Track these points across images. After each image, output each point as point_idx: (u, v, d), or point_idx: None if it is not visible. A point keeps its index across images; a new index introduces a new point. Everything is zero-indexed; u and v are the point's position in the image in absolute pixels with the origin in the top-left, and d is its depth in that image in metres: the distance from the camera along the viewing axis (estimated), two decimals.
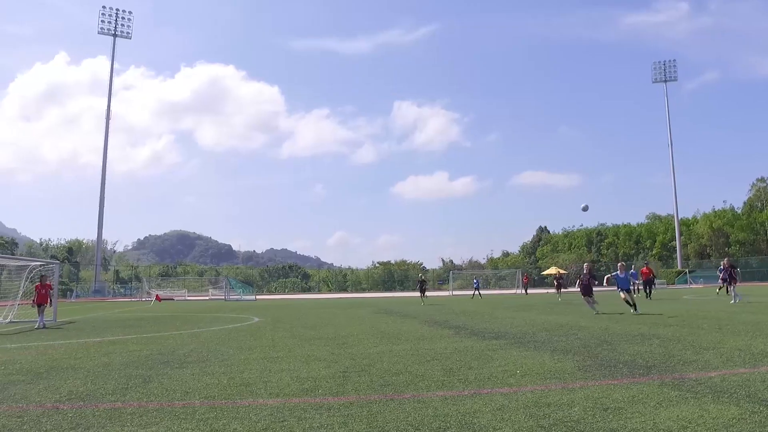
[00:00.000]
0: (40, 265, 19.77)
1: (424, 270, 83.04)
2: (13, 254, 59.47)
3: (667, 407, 4.40)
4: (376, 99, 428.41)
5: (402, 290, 70.23)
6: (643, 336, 9.44)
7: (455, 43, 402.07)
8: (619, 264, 16.05)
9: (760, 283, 50.41)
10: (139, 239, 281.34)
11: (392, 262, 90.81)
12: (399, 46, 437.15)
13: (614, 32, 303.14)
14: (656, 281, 35.71)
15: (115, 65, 77.96)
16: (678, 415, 4.13)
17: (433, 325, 13.22)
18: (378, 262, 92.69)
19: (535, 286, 63.72)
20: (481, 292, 40.53)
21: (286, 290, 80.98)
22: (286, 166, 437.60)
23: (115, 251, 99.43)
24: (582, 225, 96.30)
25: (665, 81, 76.39)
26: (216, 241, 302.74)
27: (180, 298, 49.95)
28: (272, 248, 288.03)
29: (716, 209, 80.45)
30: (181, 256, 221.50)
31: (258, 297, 50.55)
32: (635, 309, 14.51)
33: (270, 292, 75.27)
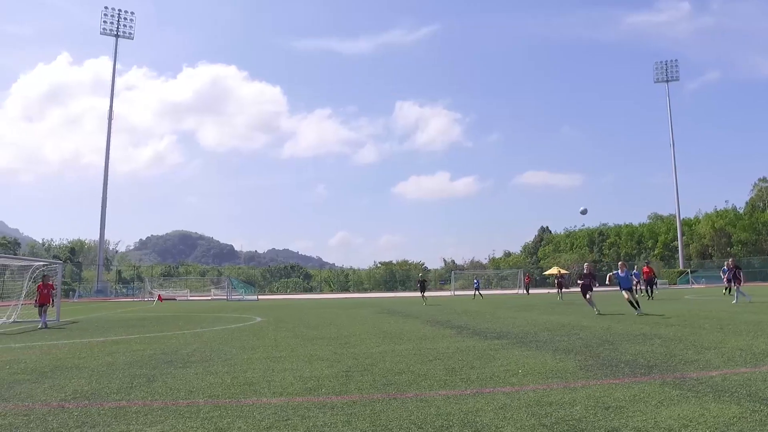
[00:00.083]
0: (44, 265, 19.84)
1: (426, 270, 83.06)
2: (15, 254, 59.63)
3: (669, 406, 4.42)
4: (378, 99, 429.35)
5: (404, 290, 70.26)
6: (645, 336, 9.46)
7: (457, 43, 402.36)
8: (619, 263, 16.04)
9: (763, 283, 50.32)
10: (141, 239, 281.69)
11: (394, 262, 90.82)
12: (400, 46, 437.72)
13: (616, 32, 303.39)
14: (658, 281, 35.74)
15: (118, 65, 78.24)
16: (679, 414, 4.15)
17: (435, 325, 13.25)
18: (380, 263, 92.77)
19: (537, 286, 63.71)
20: (482, 292, 40.54)
21: (288, 290, 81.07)
22: (288, 166, 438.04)
23: (117, 251, 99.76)
24: (584, 225, 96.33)
25: (667, 81, 76.40)
26: (218, 241, 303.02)
27: (182, 298, 50.04)
28: (274, 248, 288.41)
29: (718, 209, 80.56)
30: (183, 256, 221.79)
31: (260, 297, 50.64)
32: (638, 309, 14.44)
33: (272, 292, 75.37)
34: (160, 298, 41.29)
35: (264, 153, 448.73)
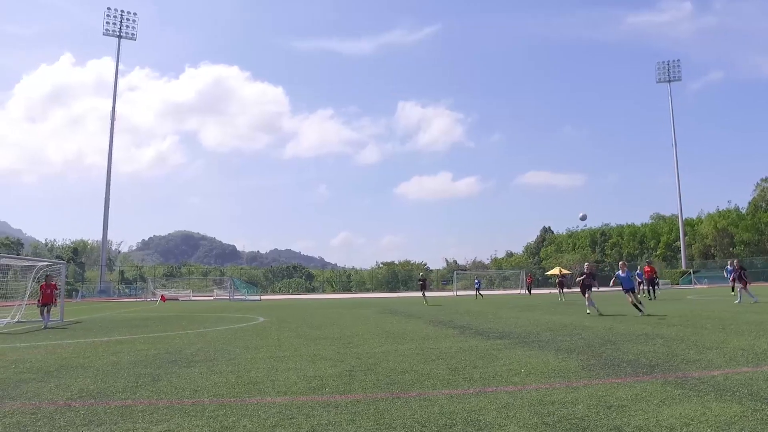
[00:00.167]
0: (47, 266, 19.93)
1: (428, 270, 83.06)
2: (18, 254, 59.77)
3: (670, 405, 4.45)
4: (380, 99, 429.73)
5: (406, 290, 70.27)
6: (647, 336, 9.48)
7: (458, 44, 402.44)
8: (620, 263, 16.01)
9: (765, 284, 50.20)
10: (143, 240, 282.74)
11: (396, 262, 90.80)
12: (402, 47, 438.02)
13: (618, 32, 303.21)
14: (660, 282, 35.67)
15: (120, 66, 78.24)
16: (681, 413, 4.18)
17: (438, 325, 13.28)
18: (382, 263, 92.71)
19: (539, 286, 63.68)
20: (482, 292, 40.55)
21: (291, 290, 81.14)
22: (290, 166, 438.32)
23: (119, 252, 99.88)
24: (586, 225, 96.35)
25: (669, 81, 76.28)
26: (220, 241, 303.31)
27: (185, 298, 50.12)
28: (276, 249, 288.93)
29: (721, 209, 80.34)
30: (185, 257, 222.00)
31: (262, 297, 50.69)
32: (642, 312, 14.33)
33: (274, 293, 75.45)
34: (162, 298, 41.39)
35: (266, 153, 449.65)
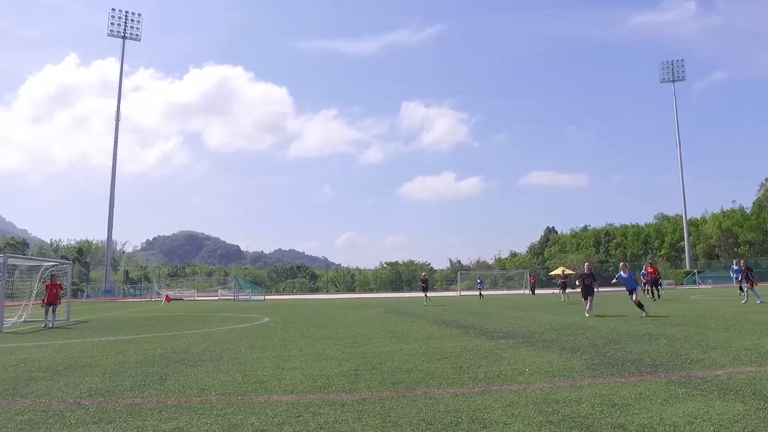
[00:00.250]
0: (53, 266, 20.05)
1: (431, 270, 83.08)
2: (24, 255, 60.08)
3: (674, 404, 4.49)
4: (384, 99, 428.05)
5: (410, 290, 70.33)
6: (651, 335, 9.51)
7: (462, 43, 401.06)
8: (621, 263, 15.97)
9: None
10: (148, 240, 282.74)
11: (400, 262, 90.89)
12: (406, 47, 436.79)
13: (622, 32, 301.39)
14: (664, 282, 35.58)
15: (125, 67, 78.48)
16: (684, 411, 4.22)
17: (442, 325, 13.33)
18: (386, 263, 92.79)
19: (543, 286, 63.61)
20: (484, 292, 40.63)
21: (295, 290, 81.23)
22: (294, 166, 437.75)
23: (124, 252, 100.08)
24: (590, 225, 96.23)
25: (673, 81, 75.99)
26: (224, 241, 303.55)
27: (189, 298, 50.27)
28: (280, 249, 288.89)
29: (725, 209, 79.97)
30: (189, 257, 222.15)
31: (266, 297, 50.81)
32: (645, 312, 14.35)
33: (278, 293, 75.56)
34: (167, 298, 41.46)
35: (270, 153, 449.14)
